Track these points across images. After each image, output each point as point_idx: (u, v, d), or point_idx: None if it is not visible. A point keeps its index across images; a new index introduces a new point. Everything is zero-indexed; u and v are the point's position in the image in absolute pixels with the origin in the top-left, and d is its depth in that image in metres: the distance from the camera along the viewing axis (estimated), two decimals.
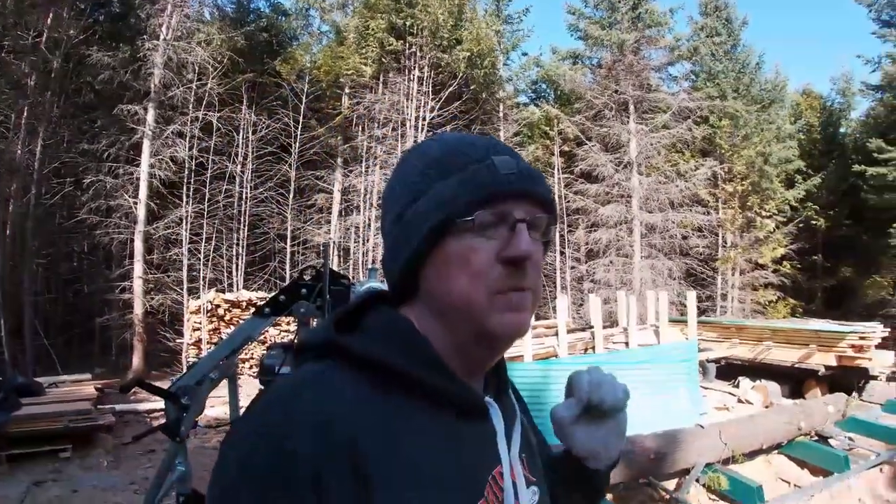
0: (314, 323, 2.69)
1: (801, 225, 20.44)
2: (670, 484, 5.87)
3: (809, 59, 62.83)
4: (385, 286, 2.24)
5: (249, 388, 8.27)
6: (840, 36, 57.60)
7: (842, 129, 24.14)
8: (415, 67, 16.61)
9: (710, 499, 5.72)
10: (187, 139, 12.74)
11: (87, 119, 13.94)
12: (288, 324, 11.02)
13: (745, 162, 18.97)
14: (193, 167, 13.01)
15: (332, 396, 0.65)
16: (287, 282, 14.45)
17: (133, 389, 2.68)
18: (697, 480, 5.77)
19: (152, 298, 12.31)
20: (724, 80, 19.78)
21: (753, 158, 18.88)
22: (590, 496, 1.00)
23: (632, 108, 18.44)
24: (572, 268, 20.01)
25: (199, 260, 13.01)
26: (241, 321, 11.63)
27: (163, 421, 2.51)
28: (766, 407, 8.80)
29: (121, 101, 12.33)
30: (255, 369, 10.73)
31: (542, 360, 8.03)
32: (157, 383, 3.14)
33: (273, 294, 2.85)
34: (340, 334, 0.74)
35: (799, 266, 20.56)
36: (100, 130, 13.24)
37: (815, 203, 21.18)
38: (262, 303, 2.84)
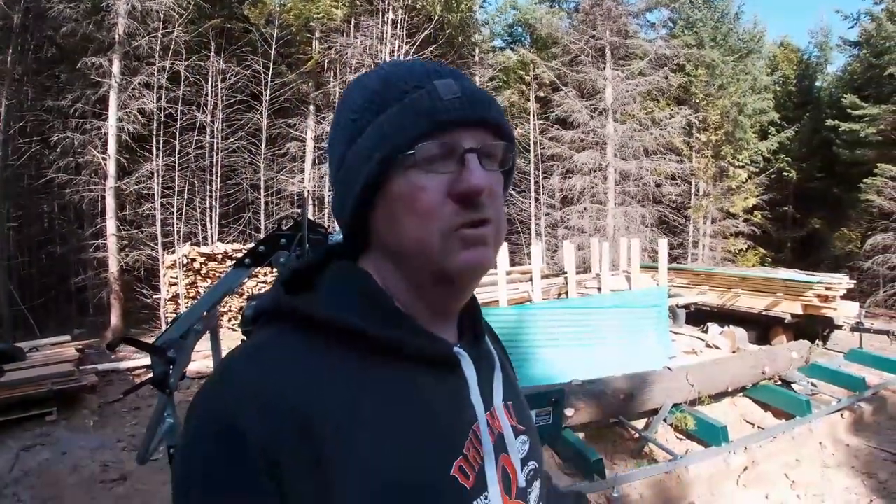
0: None
1: (773, 176, 20.65)
2: (640, 423, 6.07)
3: (788, 10, 62.10)
4: None
5: (228, 340, 8.34)
6: None
7: (817, 83, 24.17)
8: (388, 10, 16.08)
9: (677, 438, 5.91)
10: (155, 90, 12.29)
11: (51, 74, 13.34)
12: (265, 275, 11.02)
13: (720, 111, 19.00)
14: (162, 119, 12.61)
15: (283, 366, 0.61)
16: (262, 232, 14.41)
17: (116, 348, 2.70)
18: (665, 420, 5.96)
19: (127, 255, 12.08)
20: (703, 29, 19.56)
21: (728, 108, 18.89)
22: None
23: (608, 54, 18.24)
24: (547, 214, 20.06)
25: (173, 214, 12.77)
26: (217, 274, 11.65)
27: (149, 376, 2.55)
28: (734, 352, 9.05)
29: (85, 53, 11.80)
30: (233, 321, 10.75)
31: (517, 304, 8.15)
32: (132, 336, 3.17)
33: (253, 245, 2.87)
34: (292, 295, 0.69)
35: (769, 216, 20.92)
36: (64, 85, 12.71)
37: (787, 155, 21.34)
38: (243, 254, 2.85)
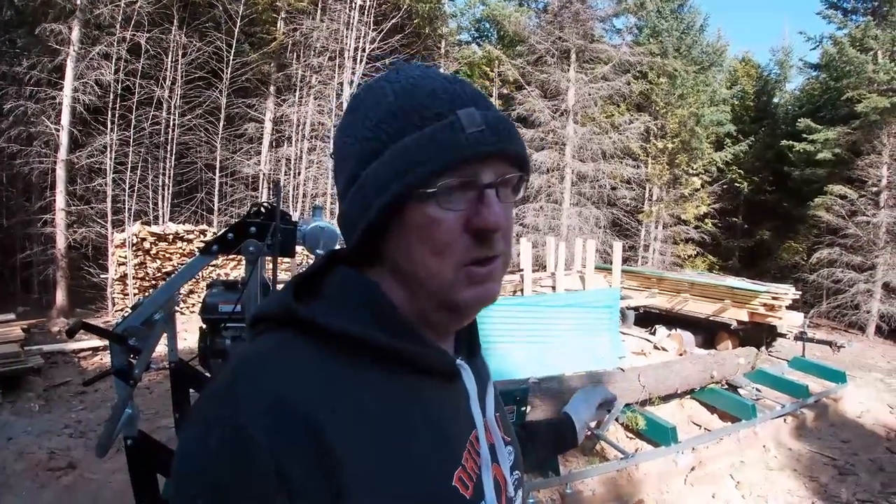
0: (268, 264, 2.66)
1: (725, 186, 21.18)
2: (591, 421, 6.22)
3: (751, 27, 63.84)
4: (331, 226, 2.33)
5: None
6: (785, 8, 58.43)
7: (775, 100, 24.72)
8: None
9: (627, 436, 6.04)
10: (113, 61, 11.78)
11: (7, 39, 12.67)
12: (215, 258, 10.78)
13: (678, 120, 19.38)
14: (119, 91, 12.15)
15: (292, 374, 0.60)
16: (215, 214, 14.10)
17: (75, 335, 2.56)
18: (617, 419, 6.09)
19: (75, 232, 11.60)
20: (667, 39, 19.90)
21: (686, 118, 19.28)
22: (555, 452, 1.33)
23: (573, 56, 18.38)
24: None
25: (124, 191, 12.34)
26: (166, 255, 11.36)
27: (96, 360, 2.46)
28: (680, 355, 9.29)
29: (44, 19, 11.26)
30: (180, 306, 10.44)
31: None
32: (91, 322, 3.04)
33: (221, 231, 2.81)
34: (300, 301, 0.68)
35: (719, 225, 21.39)
36: (21, 51, 12.07)
37: (740, 167, 21.87)
38: (210, 240, 2.78)
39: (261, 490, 0.54)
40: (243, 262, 2.58)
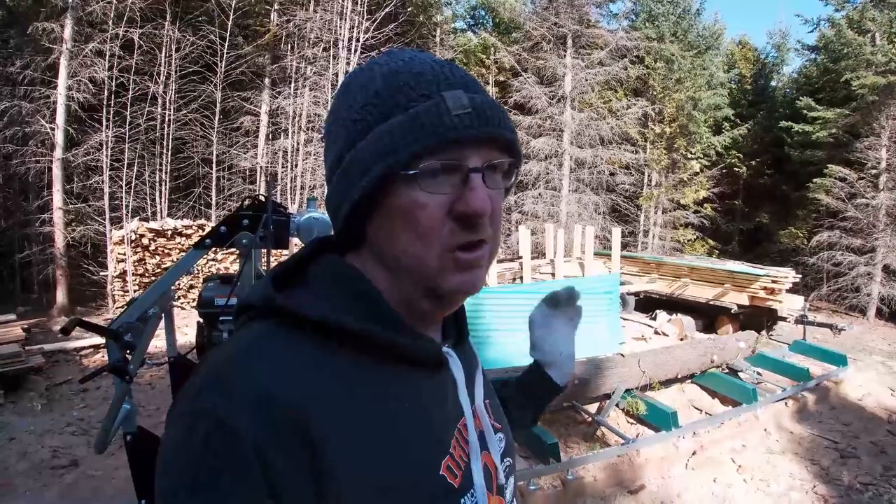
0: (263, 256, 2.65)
1: (724, 170, 21.03)
2: (592, 407, 6.22)
3: (748, 10, 63.13)
4: (325, 217, 2.23)
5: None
6: None
7: (772, 83, 24.53)
8: None
9: (628, 422, 6.07)
10: (107, 58, 11.71)
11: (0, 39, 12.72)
12: (215, 252, 10.79)
13: (676, 105, 19.24)
14: (114, 88, 12.09)
15: (274, 365, 0.59)
16: (213, 208, 14.07)
17: (70, 332, 2.56)
18: (617, 405, 6.10)
19: (73, 230, 11.58)
20: (664, 23, 19.73)
21: (684, 102, 19.16)
22: (537, 410, 1.13)
23: (569, 42, 18.24)
24: None
25: (121, 188, 12.34)
26: (165, 251, 11.34)
27: (97, 358, 2.46)
28: (681, 339, 9.31)
29: (36, 18, 11.21)
30: (180, 300, 10.46)
31: None
32: (87, 319, 3.04)
33: (214, 225, 2.80)
34: (281, 291, 0.67)
35: (719, 209, 21.24)
36: (14, 51, 12.00)
37: (739, 151, 21.71)
38: (203, 234, 2.77)
39: (243, 485, 0.53)
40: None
